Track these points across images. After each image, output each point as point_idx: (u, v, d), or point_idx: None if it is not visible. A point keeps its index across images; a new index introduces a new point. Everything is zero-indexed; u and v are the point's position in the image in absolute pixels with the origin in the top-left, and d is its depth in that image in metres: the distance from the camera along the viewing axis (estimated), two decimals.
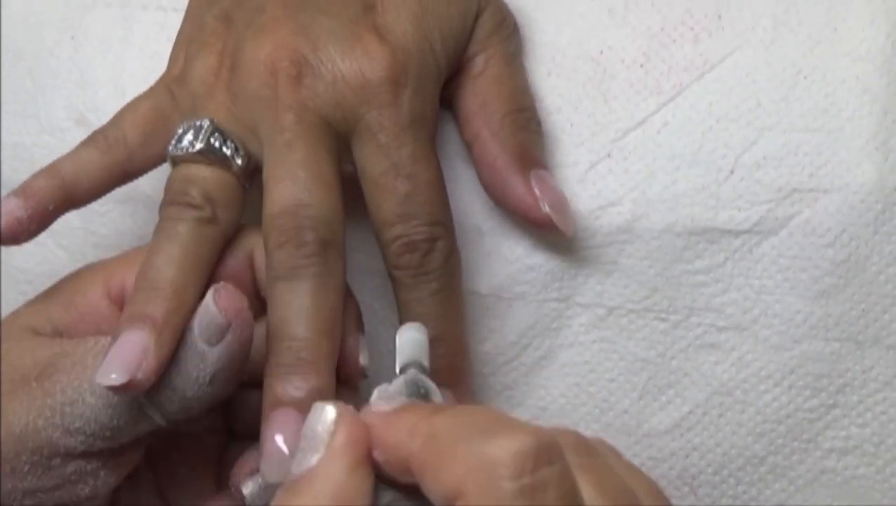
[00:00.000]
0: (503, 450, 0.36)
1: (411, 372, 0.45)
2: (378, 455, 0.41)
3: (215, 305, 0.48)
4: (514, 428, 0.37)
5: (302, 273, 0.49)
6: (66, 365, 0.48)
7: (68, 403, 0.48)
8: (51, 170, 0.53)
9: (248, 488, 0.48)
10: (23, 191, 0.52)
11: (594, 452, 0.41)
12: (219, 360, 0.48)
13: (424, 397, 0.44)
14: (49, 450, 0.48)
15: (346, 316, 0.51)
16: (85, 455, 0.48)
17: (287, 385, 0.48)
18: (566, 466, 0.37)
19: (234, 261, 0.52)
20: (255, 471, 0.48)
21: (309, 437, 0.41)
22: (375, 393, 0.44)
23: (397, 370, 0.45)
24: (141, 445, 0.51)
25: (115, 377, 0.46)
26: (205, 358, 0.48)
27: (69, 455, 0.48)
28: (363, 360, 0.51)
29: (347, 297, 0.52)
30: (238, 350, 0.48)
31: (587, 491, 0.37)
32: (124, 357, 0.47)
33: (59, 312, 0.52)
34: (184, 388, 0.48)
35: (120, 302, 0.51)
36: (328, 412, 0.41)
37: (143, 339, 0.47)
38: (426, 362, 0.46)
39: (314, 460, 0.41)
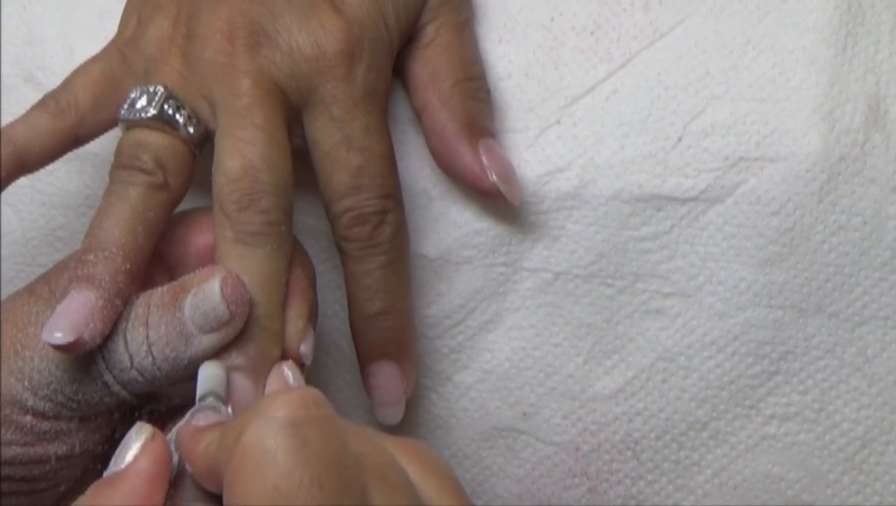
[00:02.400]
0: (271, 399, 0.44)
1: (209, 400, 0.53)
2: (191, 468, 0.50)
3: (221, 295, 0.55)
4: (290, 389, 0.48)
5: (264, 240, 0.58)
6: (33, 331, 0.56)
7: (36, 370, 0.56)
8: (1, 135, 0.60)
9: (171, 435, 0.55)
10: None
11: (348, 423, 0.48)
12: (206, 349, 0.56)
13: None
14: (20, 407, 0.56)
15: (296, 301, 0.59)
16: (57, 418, 0.57)
17: (243, 354, 0.56)
18: (331, 410, 0.45)
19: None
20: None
21: (123, 445, 0.50)
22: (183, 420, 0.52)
23: (196, 400, 0.53)
24: (119, 410, 0.59)
25: (59, 336, 0.54)
26: (191, 342, 0.56)
27: (40, 416, 0.56)
28: (304, 348, 0.58)
29: (304, 286, 0.60)
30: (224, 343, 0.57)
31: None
32: (70, 316, 0.54)
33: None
34: (152, 366, 0.56)
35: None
36: (144, 429, 0.50)
37: (90, 299, 0.55)
38: (223, 393, 0.54)
39: (123, 464, 0.49)
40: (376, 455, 0.47)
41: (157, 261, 0.60)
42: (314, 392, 0.45)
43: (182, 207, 0.62)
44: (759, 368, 0.65)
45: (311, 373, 0.66)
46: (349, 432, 0.46)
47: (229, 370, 0.56)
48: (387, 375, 0.63)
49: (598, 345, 0.65)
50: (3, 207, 0.69)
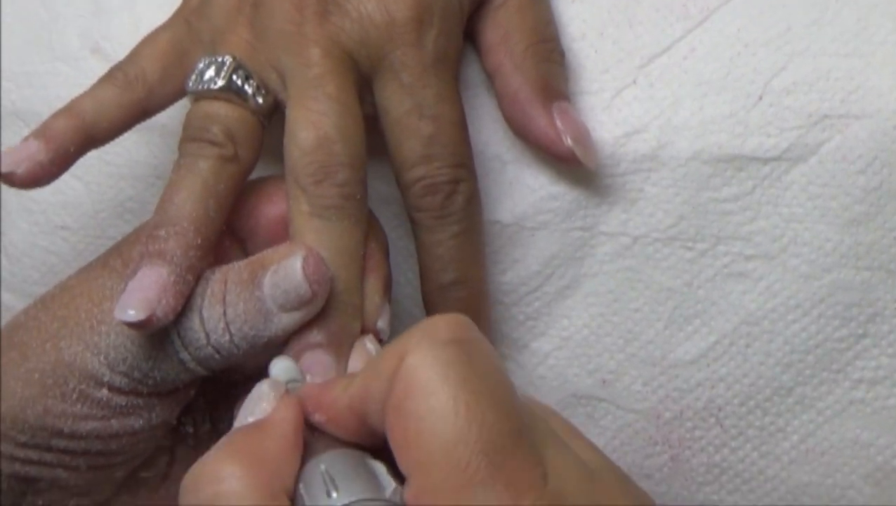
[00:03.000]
0: (430, 324, 0.47)
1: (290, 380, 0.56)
2: (319, 417, 0.52)
3: (303, 274, 0.56)
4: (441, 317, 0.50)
5: (341, 213, 0.59)
6: (108, 306, 0.58)
7: (113, 347, 0.58)
8: (70, 110, 0.62)
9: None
10: (43, 133, 0.61)
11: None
12: (286, 328, 0.57)
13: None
14: (96, 382, 0.58)
15: (371, 276, 0.60)
16: (134, 392, 0.58)
17: (324, 330, 0.57)
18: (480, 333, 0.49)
19: None
20: None
21: (251, 399, 0.53)
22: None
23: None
24: (194, 385, 0.61)
25: (132, 313, 0.55)
26: (271, 320, 0.57)
27: (116, 390, 0.58)
28: (381, 323, 0.60)
29: (379, 259, 0.61)
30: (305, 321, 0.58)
31: None
32: (143, 293, 0.56)
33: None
34: (229, 343, 0.57)
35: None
36: (277, 383, 0.54)
37: (162, 275, 0.56)
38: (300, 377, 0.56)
39: (252, 418, 0.52)
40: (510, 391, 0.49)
41: (227, 232, 0.61)
42: (465, 317, 0.48)
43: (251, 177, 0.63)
44: (847, 330, 0.65)
45: (386, 342, 0.67)
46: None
47: (310, 348, 0.57)
48: None
49: (678, 310, 0.66)
50: (70, 180, 0.71)
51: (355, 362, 0.57)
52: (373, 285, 0.59)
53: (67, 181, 0.70)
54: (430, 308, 0.64)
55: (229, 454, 0.49)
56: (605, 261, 0.66)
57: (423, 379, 0.46)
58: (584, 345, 0.67)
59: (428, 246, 0.62)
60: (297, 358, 0.57)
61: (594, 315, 0.67)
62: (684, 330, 0.66)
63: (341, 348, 0.57)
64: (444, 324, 0.47)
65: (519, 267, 0.67)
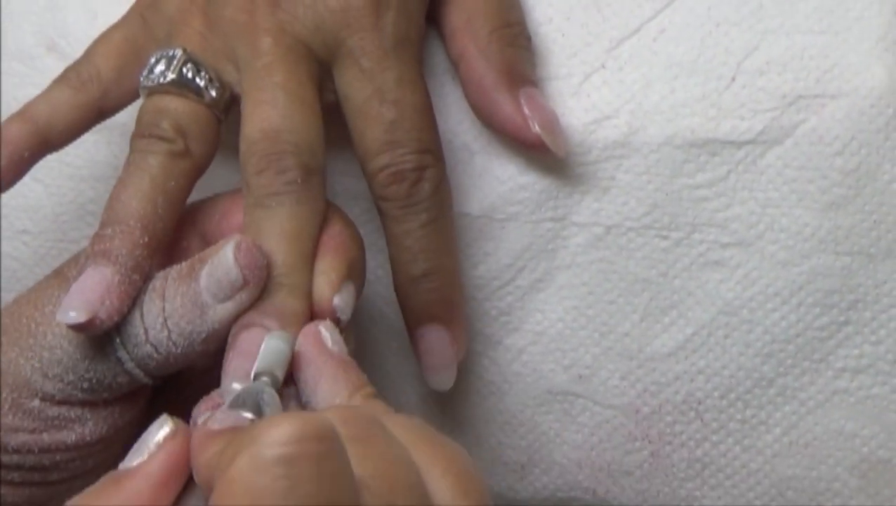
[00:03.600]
0: (265, 429, 0.41)
1: (257, 384, 0.52)
2: (195, 476, 0.49)
3: (234, 260, 0.55)
4: (291, 415, 0.44)
5: (282, 199, 0.58)
6: (50, 310, 0.57)
7: (48, 347, 0.57)
8: (24, 114, 0.61)
9: (202, 420, 0.53)
10: None
11: (370, 424, 0.47)
12: (222, 320, 0.56)
13: (260, 410, 0.50)
14: (28, 391, 0.57)
15: (329, 255, 0.58)
16: (66, 403, 0.57)
17: (258, 309, 0.55)
18: (334, 443, 0.42)
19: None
20: (217, 406, 0.54)
21: (142, 440, 0.49)
22: (228, 401, 0.51)
23: (252, 376, 0.53)
24: (134, 400, 0.59)
25: (73, 315, 0.54)
26: (206, 313, 0.56)
27: (48, 400, 0.57)
28: (338, 300, 0.57)
29: (342, 241, 0.59)
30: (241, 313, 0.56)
31: (355, 461, 0.43)
32: (85, 294, 0.55)
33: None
34: (167, 340, 0.55)
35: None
36: (165, 426, 0.49)
37: (106, 276, 0.55)
38: (281, 374, 0.53)
39: (135, 462, 0.49)
40: (390, 476, 0.45)
41: (200, 240, 0.60)
42: (316, 421, 0.42)
43: (218, 174, 0.63)
44: (828, 318, 0.64)
45: (357, 343, 0.66)
46: (366, 444, 0.45)
47: (245, 328, 0.55)
48: (436, 339, 0.63)
49: (654, 301, 0.65)
50: (31, 183, 0.70)
51: (306, 346, 0.55)
52: (329, 263, 0.58)
53: (27, 184, 0.69)
54: (402, 301, 0.63)
55: (90, 503, 0.48)
56: (578, 252, 0.65)
57: (230, 500, 0.41)
58: (558, 339, 0.66)
59: (396, 237, 0.61)
60: (233, 341, 0.55)
61: (568, 309, 0.66)
62: (661, 322, 0.65)
63: (282, 328, 0.55)
64: (277, 434, 0.41)
65: (490, 260, 0.66)
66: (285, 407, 0.53)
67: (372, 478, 0.44)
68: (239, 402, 0.51)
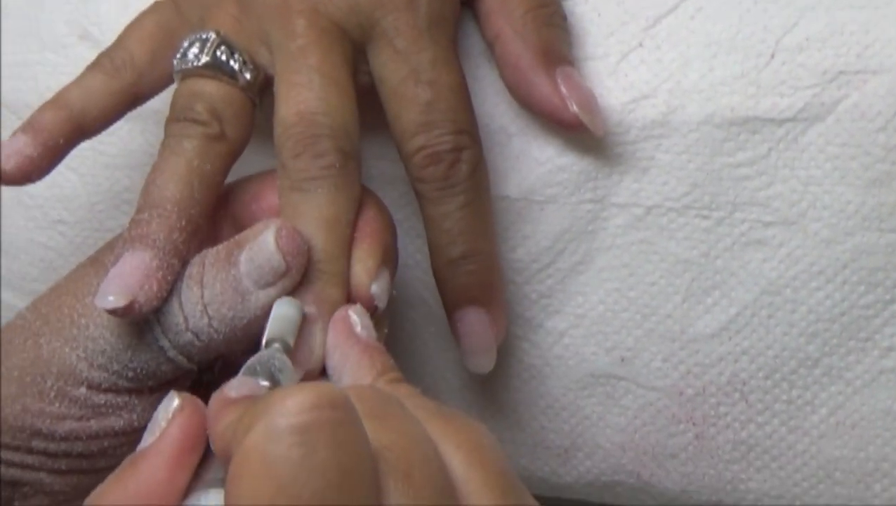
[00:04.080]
0: (280, 399, 0.41)
1: (268, 351, 0.52)
2: (212, 444, 0.48)
3: (276, 246, 0.55)
4: (306, 385, 0.43)
5: (320, 183, 0.57)
6: (90, 300, 0.57)
7: (91, 338, 0.57)
8: (58, 101, 0.61)
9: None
10: (31, 126, 0.60)
11: (386, 401, 0.46)
12: (264, 305, 0.55)
13: (274, 378, 0.51)
14: (73, 379, 0.57)
15: (365, 241, 0.58)
16: (112, 390, 0.57)
17: (301, 299, 0.55)
18: (349, 412, 0.42)
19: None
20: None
21: (153, 420, 0.49)
22: (242, 369, 0.51)
23: (262, 343, 0.53)
24: (178, 385, 0.59)
25: (112, 300, 0.54)
26: (248, 299, 0.55)
27: (95, 388, 0.57)
28: (375, 288, 0.57)
29: (377, 227, 0.59)
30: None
31: (371, 435, 0.43)
32: (123, 278, 0.54)
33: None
34: (208, 327, 0.55)
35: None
36: (173, 401, 0.49)
37: (144, 260, 0.55)
38: (292, 340, 0.53)
39: (149, 441, 0.49)
40: (406, 447, 0.44)
41: (232, 223, 0.60)
42: (331, 391, 0.42)
43: (253, 159, 0.62)
44: (873, 297, 0.63)
45: (396, 328, 0.66)
46: (382, 420, 0.45)
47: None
48: (475, 322, 0.62)
49: (696, 281, 0.64)
50: (65, 172, 0.70)
51: (334, 332, 0.55)
52: (366, 250, 0.57)
53: (62, 174, 0.70)
54: (441, 284, 0.62)
55: (111, 489, 0.47)
56: (618, 234, 0.65)
57: (247, 470, 0.41)
58: (600, 322, 0.66)
59: (434, 219, 0.61)
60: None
61: (609, 291, 0.65)
62: (703, 303, 0.65)
63: (321, 316, 0.55)
64: (291, 403, 0.41)
65: (529, 243, 0.66)
66: None
67: (388, 449, 0.44)
68: (253, 369, 0.51)
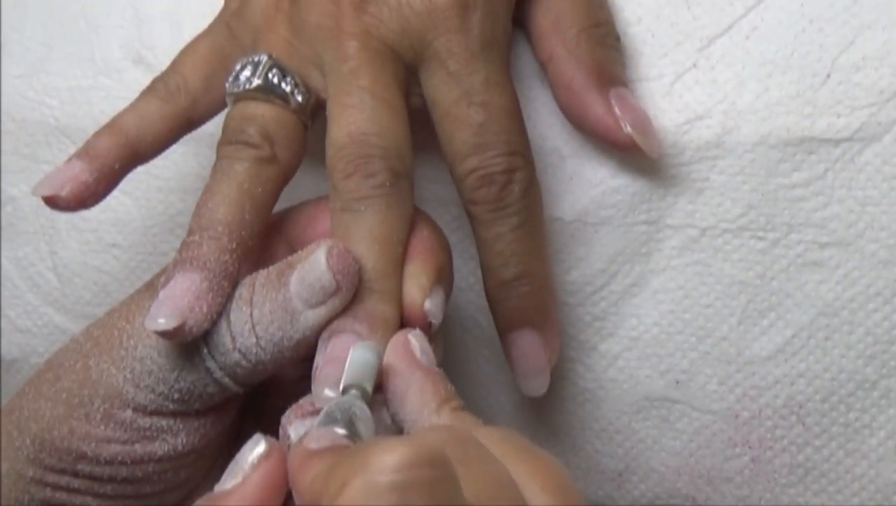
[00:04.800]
0: (378, 455, 0.40)
1: (348, 398, 0.51)
2: (297, 499, 0.48)
3: (327, 265, 0.55)
4: (403, 440, 0.42)
5: (371, 203, 0.57)
6: (140, 322, 0.57)
7: (138, 359, 0.57)
8: (113, 126, 0.61)
9: (296, 431, 0.54)
10: (86, 152, 0.61)
11: (467, 444, 0.46)
12: (313, 326, 0.55)
13: (353, 426, 0.50)
14: (120, 401, 0.57)
15: (419, 259, 0.58)
16: (158, 413, 0.57)
17: (350, 314, 0.55)
18: (447, 468, 0.42)
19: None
20: (309, 414, 0.54)
21: (236, 461, 0.49)
22: (321, 416, 0.50)
23: (340, 388, 0.52)
24: (225, 410, 0.59)
25: (162, 322, 0.54)
26: (297, 319, 0.55)
27: (140, 411, 0.57)
28: (429, 305, 0.57)
29: (430, 246, 0.59)
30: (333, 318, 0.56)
31: (463, 484, 0.43)
32: (174, 300, 0.55)
33: None
34: (255, 347, 0.55)
35: None
36: (259, 445, 0.49)
37: (195, 282, 0.55)
38: (370, 387, 0.52)
39: (230, 485, 0.49)
40: (492, 495, 0.44)
41: (286, 248, 0.60)
42: (429, 447, 0.42)
43: (305, 182, 0.62)
44: None
45: (449, 351, 0.66)
46: (467, 466, 0.44)
47: (335, 334, 0.55)
48: (528, 344, 0.62)
49: (752, 303, 0.64)
50: (120, 196, 0.70)
51: (394, 357, 0.54)
52: (419, 267, 0.57)
53: (117, 197, 0.70)
54: (493, 306, 0.62)
55: None
56: (673, 255, 0.64)
57: None
58: (654, 344, 0.65)
59: (487, 241, 0.61)
60: (323, 347, 0.55)
61: (664, 313, 0.65)
62: (759, 324, 0.64)
63: (372, 334, 0.55)
64: (390, 459, 0.41)
65: (583, 265, 0.65)
66: (375, 416, 0.53)
67: (476, 499, 0.43)
68: (331, 418, 0.50)
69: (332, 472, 0.43)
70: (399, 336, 0.55)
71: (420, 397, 0.53)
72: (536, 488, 0.46)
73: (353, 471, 0.41)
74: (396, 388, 0.53)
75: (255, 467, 0.49)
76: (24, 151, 0.73)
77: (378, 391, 0.54)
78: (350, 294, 0.55)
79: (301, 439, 0.48)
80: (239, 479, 0.49)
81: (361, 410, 0.51)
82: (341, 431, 0.49)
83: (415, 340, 0.55)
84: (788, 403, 0.64)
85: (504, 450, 0.47)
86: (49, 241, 0.72)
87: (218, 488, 0.49)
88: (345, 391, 0.52)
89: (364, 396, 0.52)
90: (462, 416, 0.52)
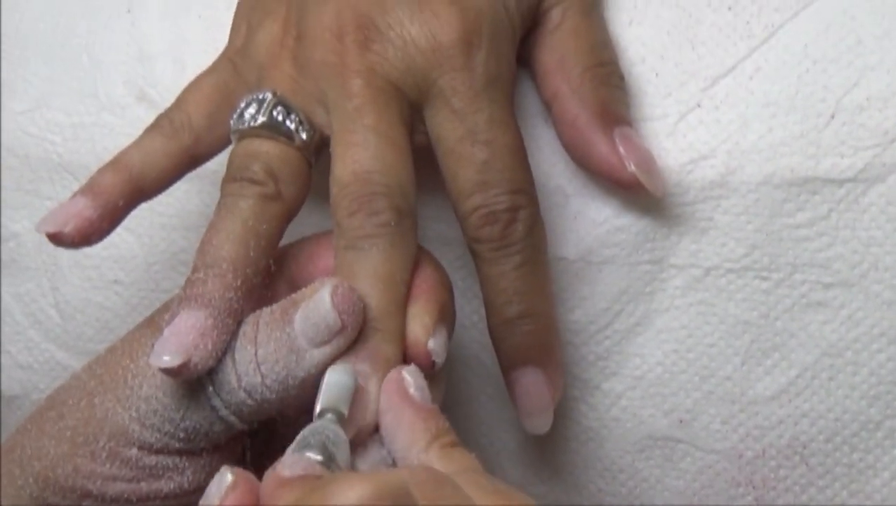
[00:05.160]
0: (340, 489, 0.41)
1: (322, 422, 0.52)
2: None
3: (332, 304, 0.55)
4: (366, 475, 0.43)
5: (375, 241, 0.57)
6: (145, 361, 0.56)
7: (144, 398, 0.56)
8: (117, 163, 0.61)
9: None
10: (90, 189, 0.60)
11: (442, 486, 0.46)
12: (318, 364, 0.55)
13: (327, 451, 0.50)
14: (125, 440, 0.57)
15: (422, 298, 0.58)
16: (164, 451, 0.57)
17: (353, 354, 0.55)
18: (408, 502, 0.42)
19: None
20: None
21: (206, 495, 0.49)
22: (295, 442, 0.51)
23: (315, 412, 0.52)
24: (230, 448, 0.59)
25: (167, 359, 0.54)
26: (302, 358, 0.55)
27: (146, 449, 0.57)
28: (433, 344, 0.57)
29: (432, 285, 0.58)
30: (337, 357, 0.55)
31: None
32: (178, 338, 0.54)
33: None
34: (261, 385, 0.55)
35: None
36: (225, 477, 0.49)
37: (199, 319, 0.55)
38: (345, 409, 0.52)
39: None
40: None
41: (288, 284, 0.60)
42: (391, 482, 0.42)
43: (309, 220, 0.62)
44: None
45: (452, 389, 0.66)
46: (437, 502, 0.44)
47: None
48: (532, 382, 0.62)
49: (756, 343, 0.64)
50: (122, 233, 0.70)
51: (387, 393, 0.54)
52: (423, 306, 0.57)
53: (119, 234, 0.69)
54: (497, 344, 0.62)
55: None
56: (677, 295, 0.64)
57: None
58: (658, 384, 0.65)
59: (490, 279, 0.60)
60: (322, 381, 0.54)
61: (667, 352, 0.65)
62: (763, 364, 0.64)
63: (375, 373, 0.55)
64: (354, 494, 0.42)
65: (587, 304, 0.65)
66: (371, 453, 0.53)
67: None
68: (305, 442, 0.50)
69: (298, 502, 0.43)
70: (393, 373, 0.55)
71: (410, 434, 0.53)
72: None
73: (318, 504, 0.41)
74: (388, 424, 0.54)
75: (223, 498, 0.48)
76: (27, 187, 0.72)
77: (375, 430, 0.54)
78: (355, 333, 0.55)
79: (275, 466, 0.48)
80: (216, 499, 0.48)
81: (336, 434, 0.51)
82: (316, 456, 0.49)
83: (409, 376, 0.54)
84: (792, 443, 0.64)
85: (479, 490, 0.47)
86: (51, 277, 0.72)
87: None
88: (321, 415, 0.52)
89: (339, 419, 0.52)
90: (452, 453, 0.51)
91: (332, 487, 0.41)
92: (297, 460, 0.48)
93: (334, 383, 0.53)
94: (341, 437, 0.51)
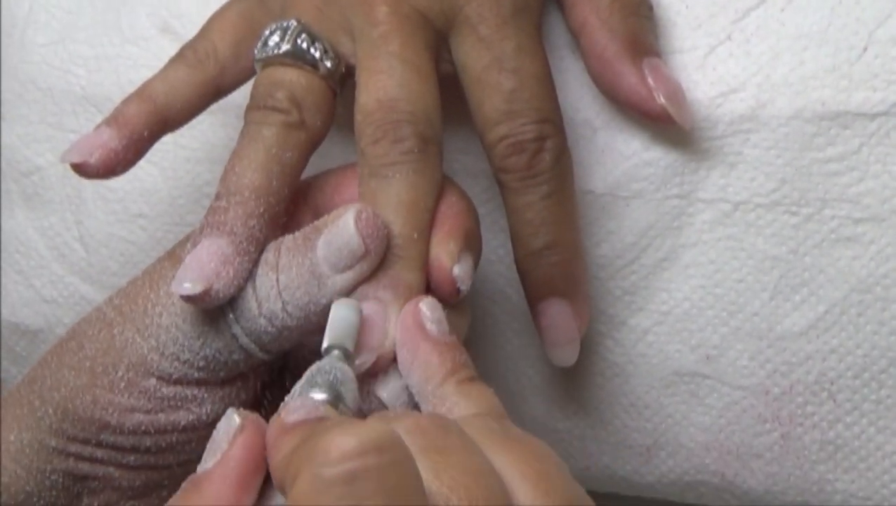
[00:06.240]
0: (325, 444, 0.39)
1: (328, 360, 0.51)
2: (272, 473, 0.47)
3: (356, 228, 0.54)
4: (353, 425, 0.41)
5: (399, 168, 0.57)
6: (165, 290, 0.56)
7: (164, 327, 0.56)
8: (142, 93, 0.61)
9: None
10: (115, 119, 0.60)
11: (446, 432, 0.45)
12: (340, 290, 0.55)
13: (335, 389, 0.49)
14: (144, 370, 0.56)
15: (447, 225, 0.57)
16: (182, 382, 0.57)
17: (374, 281, 0.55)
18: (398, 452, 0.40)
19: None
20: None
21: (213, 439, 0.48)
22: (301, 382, 0.50)
23: (322, 349, 0.52)
24: (248, 380, 0.59)
25: (188, 287, 0.53)
26: (324, 284, 0.54)
27: (165, 379, 0.56)
28: (458, 270, 0.56)
29: (458, 212, 0.58)
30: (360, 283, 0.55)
31: (426, 475, 0.42)
32: (200, 265, 0.54)
33: None
34: (282, 312, 0.55)
35: None
36: (233, 420, 0.48)
37: (221, 247, 0.54)
38: (351, 346, 0.52)
39: (211, 463, 0.48)
40: (468, 485, 0.43)
41: (313, 215, 0.59)
42: (377, 432, 0.40)
43: (333, 150, 0.62)
44: None
45: (478, 324, 0.65)
46: (442, 454, 0.44)
47: (361, 299, 0.54)
48: (558, 313, 0.61)
49: (784, 279, 0.63)
50: (146, 166, 0.69)
51: (403, 326, 0.53)
52: (447, 233, 0.56)
53: (143, 168, 0.69)
54: (523, 276, 0.61)
55: None
56: (705, 230, 0.64)
57: None
58: (685, 319, 0.64)
59: (517, 210, 0.60)
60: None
61: (695, 287, 0.64)
62: (791, 300, 0.63)
63: (397, 301, 0.54)
64: (336, 449, 0.40)
65: (613, 239, 0.64)
66: (391, 381, 0.53)
67: (451, 489, 0.42)
68: (312, 381, 0.50)
69: (291, 458, 0.43)
70: (409, 305, 0.54)
71: (425, 369, 0.52)
72: (517, 477, 0.45)
73: (304, 460, 0.40)
74: (404, 358, 0.53)
75: (231, 442, 0.48)
76: (50, 120, 0.72)
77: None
78: (378, 258, 0.54)
79: (279, 412, 0.48)
80: (217, 457, 0.48)
81: (342, 371, 0.50)
82: (322, 396, 0.49)
83: (426, 308, 0.54)
84: (820, 379, 0.63)
85: (488, 437, 0.46)
86: (75, 211, 0.72)
87: (200, 467, 0.48)
88: (326, 352, 0.51)
89: (345, 356, 0.51)
90: (469, 388, 0.51)
91: (318, 440, 0.40)
92: (299, 405, 0.48)
93: (340, 318, 0.52)
94: (348, 375, 0.50)
